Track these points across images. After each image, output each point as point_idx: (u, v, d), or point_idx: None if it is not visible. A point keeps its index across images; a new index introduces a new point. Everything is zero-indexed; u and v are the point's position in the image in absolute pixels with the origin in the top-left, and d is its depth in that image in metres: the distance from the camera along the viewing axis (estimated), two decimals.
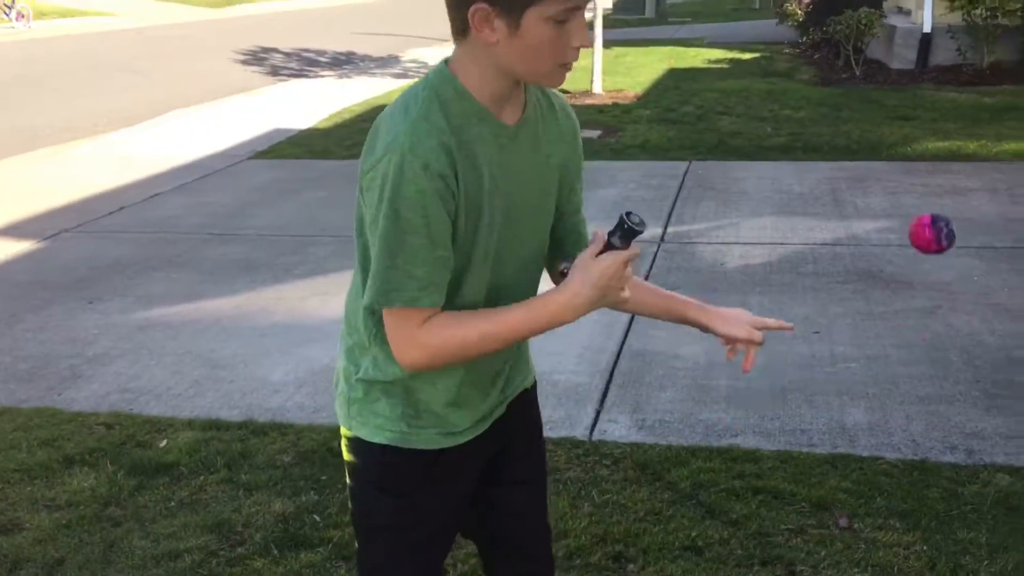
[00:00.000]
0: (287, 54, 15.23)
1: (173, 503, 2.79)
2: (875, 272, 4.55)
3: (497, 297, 1.43)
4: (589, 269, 1.32)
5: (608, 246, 1.33)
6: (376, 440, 1.48)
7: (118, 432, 3.22)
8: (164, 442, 3.14)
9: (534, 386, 1.68)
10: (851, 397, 3.32)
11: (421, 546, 1.55)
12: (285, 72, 13.29)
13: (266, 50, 15.58)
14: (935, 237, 1.58)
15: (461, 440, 1.50)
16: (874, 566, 2.40)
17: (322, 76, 12.83)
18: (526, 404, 1.64)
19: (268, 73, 13.20)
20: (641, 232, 1.33)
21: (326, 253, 5.18)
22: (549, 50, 1.30)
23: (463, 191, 1.32)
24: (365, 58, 14.78)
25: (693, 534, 2.54)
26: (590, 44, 1.33)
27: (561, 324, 1.36)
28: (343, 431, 1.54)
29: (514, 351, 1.56)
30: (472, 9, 1.27)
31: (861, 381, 3.44)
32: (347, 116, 9.37)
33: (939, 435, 3.04)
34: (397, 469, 1.50)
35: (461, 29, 1.31)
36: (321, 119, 9.26)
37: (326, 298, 4.51)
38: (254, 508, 2.73)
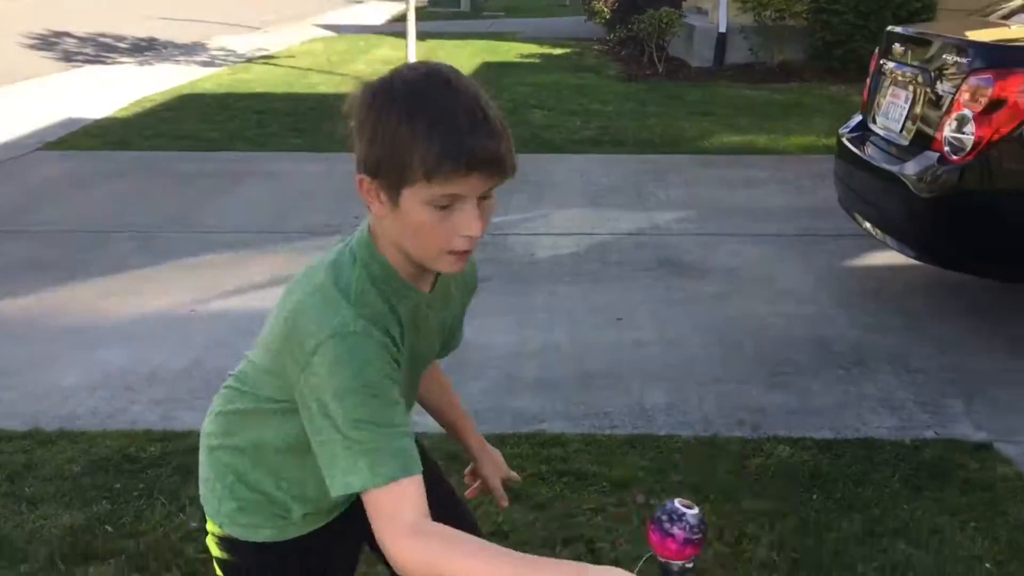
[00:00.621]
0: (81, 39, 14.28)
1: None
2: (675, 260, 4.78)
3: None
4: None
5: None
6: (252, 539, 1.42)
7: None
8: None
9: None
10: (651, 380, 3.48)
11: None
12: (79, 58, 12.47)
13: (57, 34, 14.55)
14: (680, 542, 1.15)
15: (310, 527, 1.45)
16: None
17: (121, 63, 12.13)
18: None
19: (60, 59, 12.34)
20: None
21: (126, 249, 4.92)
22: (431, 234, 1.20)
23: (400, 365, 1.27)
24: (168, 44, 14.08)
25: (499, 519, 2.59)
26: (480, 234, 1.21)
27: None
28: (211, 527, 1.45)
29: None
30: (358, 177, 1.21)
31: (660, 364, 3.61)
32: (148, 105, 8.91)
33: (728, 412, 3.23)
34: (278, 561, 1.44)
35: None
36: (120, 108, 8.76)
37: (126, 296, 4.28)
38: (39, 523, 2.56)
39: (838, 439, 3.05)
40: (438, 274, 1.34)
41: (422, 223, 1.19)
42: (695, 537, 1.15)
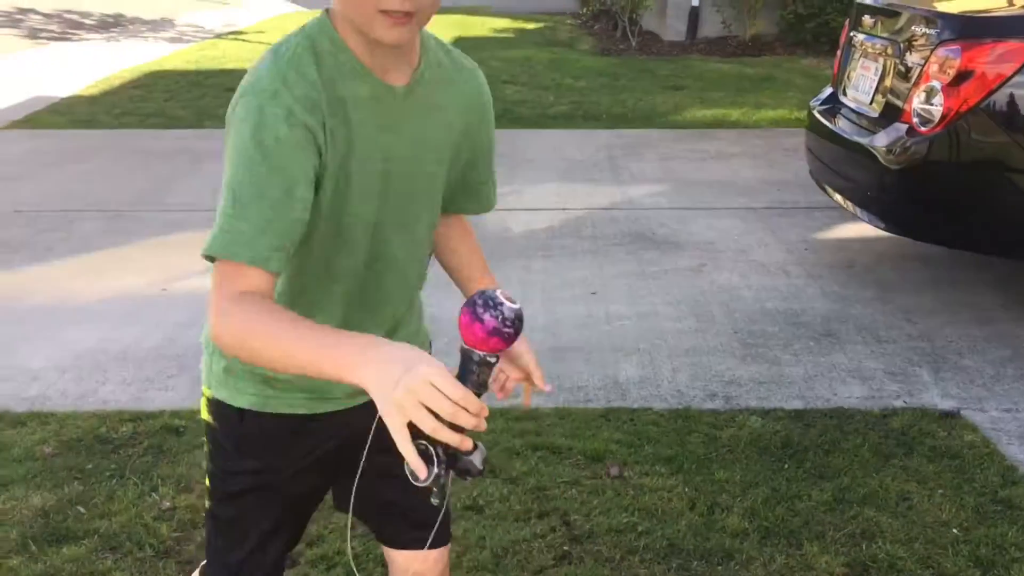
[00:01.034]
0: (47, 15, 14.02)
1: None
2: (647, 234, 4.79)
3: (382, 271, 1.37)
4: (416, 365, 1.03)
5: (464, 370, 1.09)
6: (236, 404, 1.42)
7: None
8: None
9: None
10: (624, 353, 3.49)
11: (269, 514, 1.50)
12: (45, 35, 12.24)
13: (22, 10, 14.28)
14: (488, 330, 1.09)
15: (329, 408, 1.43)
16: (640, 510, 2.55)
17: (88, 39, 11.93)
18: None
19: (25, 36, 12.11)
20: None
21: (94, 229, 4.86)
22: None
23: (330, 151, 1.22)
24: (135, 20, 13.86)
25: (474, 494, 2.60)
26: None
27: (340, 380, 1.08)
28: (204, 390, 1.47)
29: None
30: None
31: (633, 337, 3.63)
32: (116, 83, 8.77)
33: (701, 384, 3.26)
34: (256, 435, 1.44)
35: None
36: (87, 85, 8.62)
37: (94, 276, 4.23)
38: (9, 504, 2.54)
39: (809, 409, 3.09)
40: (419, 72, 1.29)
41: None
42: (505, 330, 1.08)
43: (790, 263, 4.40)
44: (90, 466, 2.73)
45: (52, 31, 12.69)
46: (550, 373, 3.31)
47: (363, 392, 1.06)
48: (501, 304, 1.09)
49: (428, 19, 1.23)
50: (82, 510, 2.52)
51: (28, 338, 3.61)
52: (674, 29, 10.97)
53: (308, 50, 1.22)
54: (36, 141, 6.72)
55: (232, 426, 1.45)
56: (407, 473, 1.06)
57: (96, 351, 3.48)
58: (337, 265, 1.33)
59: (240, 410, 1.43)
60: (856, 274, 4.28)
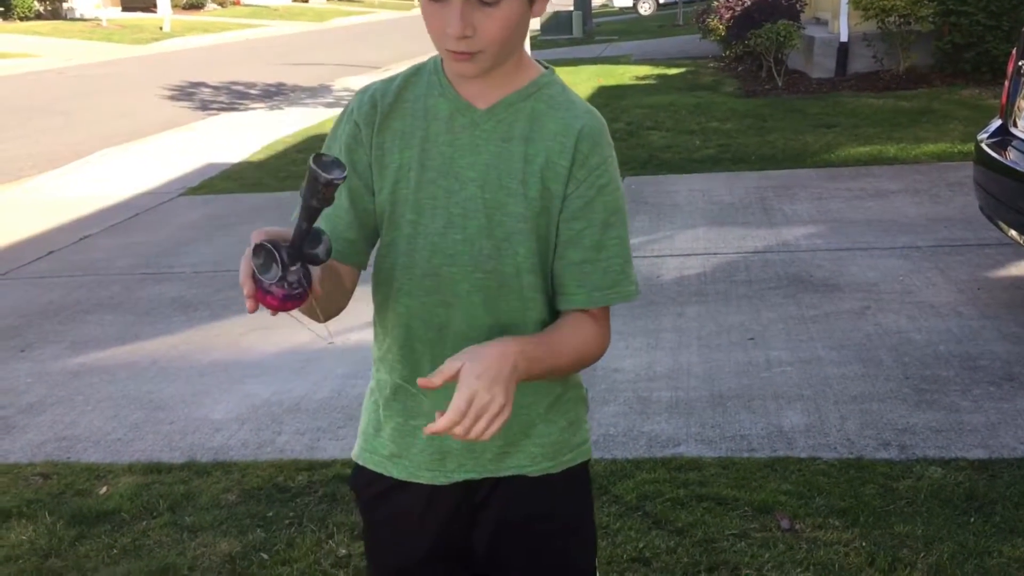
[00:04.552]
0: (216, 88, 15.08)
1: (116, 550, 2.74)
2: (805, 277, 4.67)
3: (445, 301, 1.33)
4: None
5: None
6: (353, 459, 1.52)
7: (56, 481, 3.15)
8: (104, 489, 3.08)
9: (558, 476, 1.42)
10: (787, 400, 3.40)
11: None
12: (215, 106, 13.16)
13: (194, 84, 15.42)
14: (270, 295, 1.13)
15: (393, 472, 1.43)
16: (816, 564, 2.46)
17: (253, 108, 12.74)
18: (526, 494, 1.41)
19: (197, 108, 13.06)
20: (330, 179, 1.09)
21: None
22: (429, 27, 1.26)
23: (374, 151, 1.34)
24: (296, 88, 14.71)
25: (640, 545, 2.58)
26: (458, 34, 1.22)
27: None
28: None
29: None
30: None
31: (796, 384, 3.52)
32: (280, 147, 9.32)
33: (872, 432, 3.12)
34: (356, 489, 1.52)
35: None
36: (254, 152, 9.19)
37: (267, 332, 4.47)
38: (200, 550, 2.70)
39: (994, 459, 2.91)
40: (507, 99, 1.32)
41: (425, 15, 1.26)
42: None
43: (962, 303, 4.18)
44: (271, 514, 2.87)
45: (221, 102, 13.62)
46: (711, 421, 3.28)
47: (422, 467, 1.39)
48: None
49: (498, 54, 1.26)
50: (265, 556, 2.65)
51: (209, 391, 3.85)
52: (822, 67, 10.74)
53: (415, 68, 1.38)
54: (210, 206, 7.20)
55: (353, 485, 1.55)
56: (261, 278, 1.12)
57: (271, 403, 3.67)
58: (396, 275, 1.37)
59: (355, 466, 1.53)
60: None
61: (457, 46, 1.23)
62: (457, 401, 1.16)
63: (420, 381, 1.21)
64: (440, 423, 1.16)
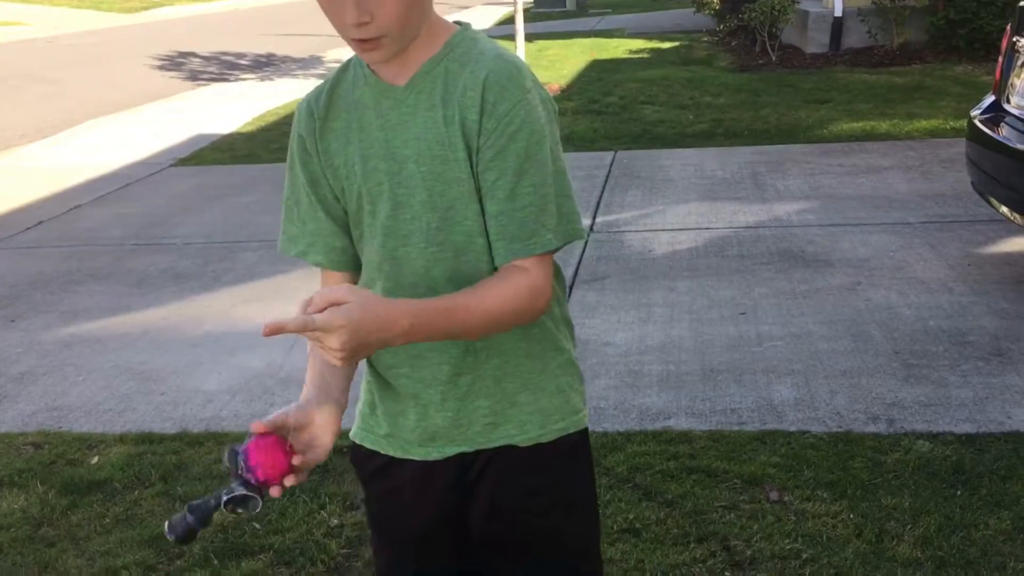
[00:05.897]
0: (206, 58, 14.94)
1: (108, 520, 2.75)
2: (796, 252, 4.68)
3: (402, 274, 1.37)
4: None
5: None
6: (352, 438, 1.53)
7: (47, 451, 3.16)
8: (96, 459, 3.09)
9: (545, 445, 1.40)
10: (777, 374, 3.42)
11: (383, 549, 1.55)
12: (205, 76, 13.05)
13: (183, 54, 15.27)
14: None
15: (388, 450, 1.45)
16: (804, 536, 2.49)
17: (243, 79, 12.63)
18: (518, 467, 1.40)
19: (187, 78, 12.94)
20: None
21: (256, 259, 5.13)
22: (332, 21, 1.26)
23: (322, 157, 1.37)
24: (287, 59, 14.58)
25: (631, 516, 2.60)
26: (355, 22, 1.22)
27: None
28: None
29: (456, 369, 1.37)
30: None
31: (786, 358, 3.54)
32: (271, 119, 9.26)
33: (861, 407, 3.15)
34: (355, 463, 1.54)
35: None
36: (244, 123, 9.13)
37: (258, 304, 4.47)
38: None
39: (981, 433, 2.94)
40: (420, 71, 1.31)
41: (320, 6, 1.26)
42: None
43: (953, 279, 4.20)
44: None
45: (211, 72, 13.50)
46: (702, 395, 3.30)
47: (413, 444, 1.44)
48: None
49: (403, 35, 1.26)
50: (257, 526, 2.66)
51: (202, 362, 3.85)
52: (816, 41, 10.69)
53: (345, 64, 1.39)
54: (201, 177, 7.16)
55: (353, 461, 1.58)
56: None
57: (264, 375, 3.67)
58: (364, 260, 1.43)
59: (352, 445, 1.56)
60: None
61: (358, 34, 1.24)
62: (318, 321, 1.14)
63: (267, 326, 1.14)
64: (289, 322, 1.14)
